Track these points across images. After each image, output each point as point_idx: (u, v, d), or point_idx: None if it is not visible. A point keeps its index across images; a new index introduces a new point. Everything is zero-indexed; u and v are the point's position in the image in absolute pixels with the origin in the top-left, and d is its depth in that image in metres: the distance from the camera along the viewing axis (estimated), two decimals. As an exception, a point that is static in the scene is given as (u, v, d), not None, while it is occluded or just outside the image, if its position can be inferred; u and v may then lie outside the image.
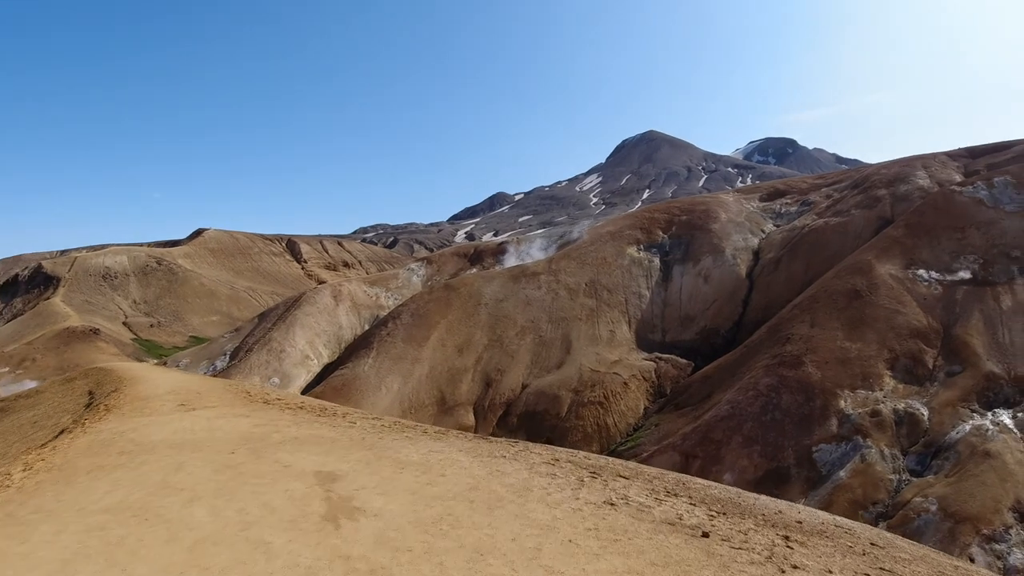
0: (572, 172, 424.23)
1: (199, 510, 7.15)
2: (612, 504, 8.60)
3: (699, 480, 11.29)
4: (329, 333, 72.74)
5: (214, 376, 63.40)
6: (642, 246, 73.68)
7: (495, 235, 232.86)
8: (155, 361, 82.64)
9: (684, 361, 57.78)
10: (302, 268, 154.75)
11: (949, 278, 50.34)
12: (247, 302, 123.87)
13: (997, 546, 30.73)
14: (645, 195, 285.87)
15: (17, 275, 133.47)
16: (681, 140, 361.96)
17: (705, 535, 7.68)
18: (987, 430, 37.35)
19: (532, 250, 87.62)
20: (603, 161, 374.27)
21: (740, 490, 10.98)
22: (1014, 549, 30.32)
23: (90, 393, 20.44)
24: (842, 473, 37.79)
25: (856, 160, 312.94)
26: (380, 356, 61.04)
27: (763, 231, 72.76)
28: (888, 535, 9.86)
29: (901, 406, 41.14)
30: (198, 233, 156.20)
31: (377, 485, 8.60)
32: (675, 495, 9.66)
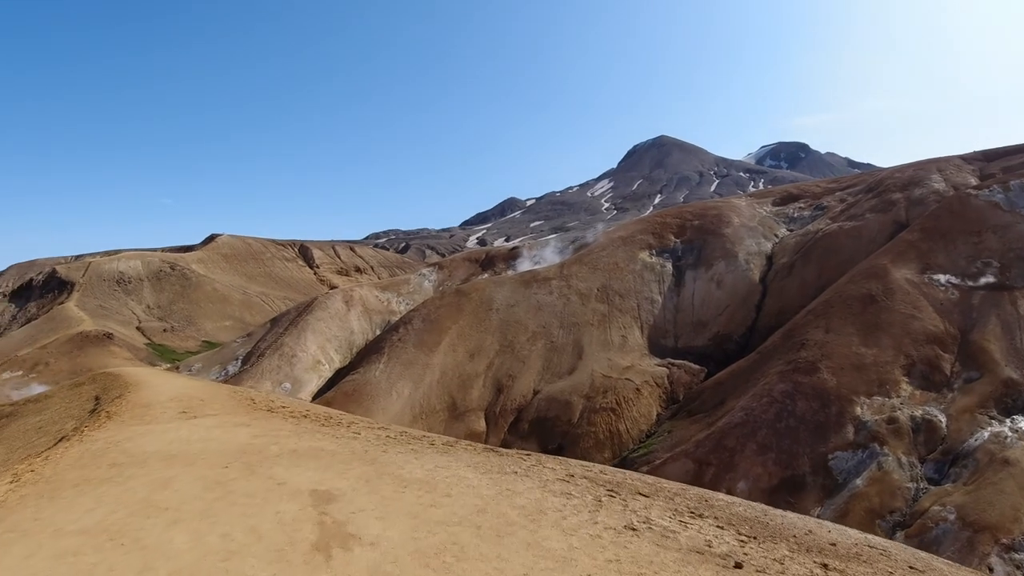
0: (583, 177, 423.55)
1: (180, 535, 6.63)
2: (634, 529, 7.93)
3: (722, 496, 10.68)
4: (341, 338, 72.69)
5: (226, 381, 63.43)
6: (654, 251, 73.17)
7: (506, 240, 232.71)
8: (167, 366, 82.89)
9: (697, 367, 57.20)
10: (314, 273, 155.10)
11: (966, 283, 49.56)
12: (260, 307, 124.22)
13: (1017, 555, 30.04)
14: (656, 200, 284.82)
15: (32, 280, 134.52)
16: (692, 145, 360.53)
17: (738, 566, 7.10)
18: (1006, 437, 36.63)
19: (547, 253, 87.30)
20: (614, 166, 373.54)
21: (765, 507, 10.39)
22: (1035, 559, 29.64)
23: (96, 398, 20.24)
24: (859, 481, 37.13)
25: (869, 164, 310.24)
26: (391, 361, 60.83)
27: (776, 236, 72.08)
28: (924, 556, 9.35)
29: (918, 413, 40.44)
30: (211, 239, 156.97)
31: (376, 507, 7.95)
32: (700, 516, 9.04)
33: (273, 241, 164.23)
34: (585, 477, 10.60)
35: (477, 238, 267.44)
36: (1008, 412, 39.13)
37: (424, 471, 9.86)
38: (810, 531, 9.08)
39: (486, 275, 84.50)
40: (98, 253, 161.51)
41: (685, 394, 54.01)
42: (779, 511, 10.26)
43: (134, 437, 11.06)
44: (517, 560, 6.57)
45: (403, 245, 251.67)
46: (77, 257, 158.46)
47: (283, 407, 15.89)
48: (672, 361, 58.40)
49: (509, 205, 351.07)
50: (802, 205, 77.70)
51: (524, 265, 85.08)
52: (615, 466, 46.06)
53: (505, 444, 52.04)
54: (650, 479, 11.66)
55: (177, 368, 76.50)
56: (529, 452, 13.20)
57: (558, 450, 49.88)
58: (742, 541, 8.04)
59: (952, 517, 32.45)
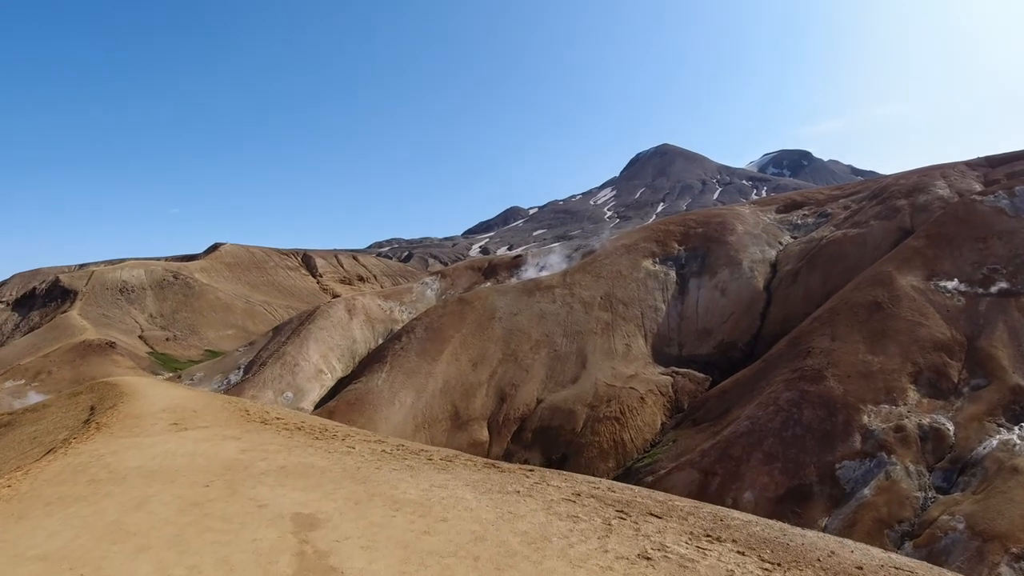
0: (586, 186, 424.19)
1: (144, 565, 6.04)
2: (648, 558, 7.23)
3: (737, 515, 10.07)
4: (343, 347, 72.42)
5: (228, 390, 63.13)
6: (658, 259, 72.83)
7: (509, 249, 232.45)
8: (169, 375, 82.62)
9: (701, 375, 56.75)
10: (317, 282, 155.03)
11: (972, 289, 49.13)
12: (263, 316, 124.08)
13: (1028, 565, 29.53)
14: (659, 208, 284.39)
15: (35, 288, 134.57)
16: (695, 153, 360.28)
17: None
18: (1015, 445, 36.16)
19: (553, 260, 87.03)
20: (617, 175, 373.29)
21: (782, 525, 9.80)
22: (1046, 570, 29.11)
23: (91, 408, 19.92)
24: (866, 491, 36.61)
25: (872, 171, 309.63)
26: (394, 370, 60.49)
27: (780, 243, 71.72)
28: (950, 575, 8.87)
29: (926, 421, 39.94)
30: (215, 247, 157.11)
31: (363, 534, 7.26)
32: (718, 539, 8.39)
33: (276, 250, 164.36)
34: (592, 496, 10.01)
35: (480, 247, 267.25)
36: (1016, 419, 38.68)
37: (419, 491, 9.31)
38: (833, 552, 8.51)
39: (489, 284, 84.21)
40: (102, 262, 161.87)
41: (690, 403, 53.55)
42: (798, 530, 9.71)
43: (119, 451, 10.66)
44: (519, 599, 5.71)
45: (406, 254, 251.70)
46: (81, 266, 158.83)
47: (278, 419, 15.51)
48: (676, 370, 57.96)
49: (512, 214, 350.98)
50: (806, 212, 77.37)
51: (530, 273, 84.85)
52: (619, 476, 45.79)
53: (508, 454, 51.65)
54: (660, 496, 11.07)
55: (179, 377, 76.20)
56: (533, 468, 12.68)
57: (562, 459, 49.46)
58: (766, 569, 7.46)
59: (961, 526, 31.96)
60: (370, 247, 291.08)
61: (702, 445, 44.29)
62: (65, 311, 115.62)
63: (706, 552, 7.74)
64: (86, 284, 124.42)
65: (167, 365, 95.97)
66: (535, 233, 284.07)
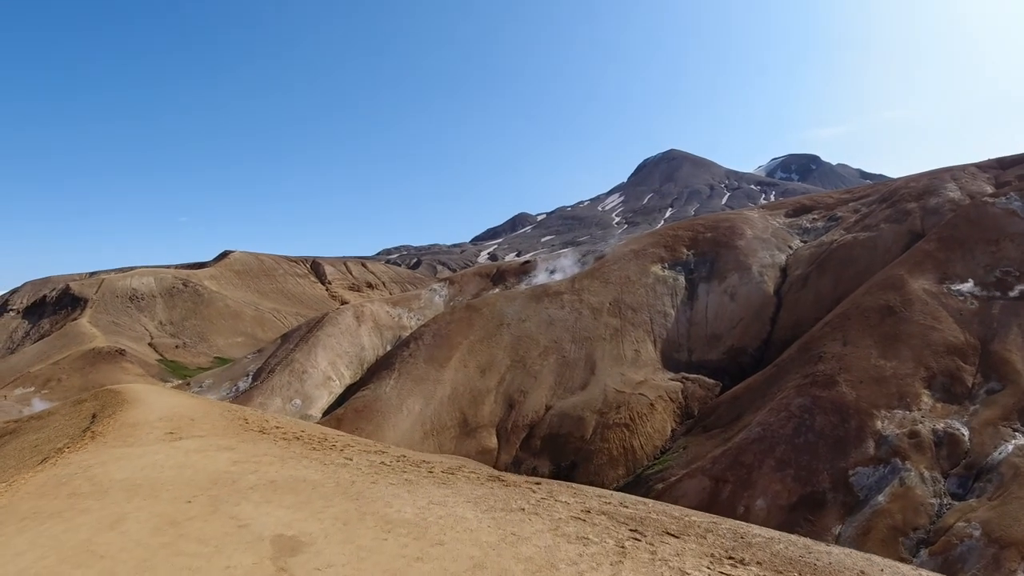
0: (594, 192, 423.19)
1: None
2: None
3: (758, 531, 9.35)
4: (351, 354, 72.28)
5: (236, 397, 63.02)
6: (666, 264, 72.36)
7: (518, 255, 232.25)
8: (178, 382, 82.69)
9: (711, 381, 56.19)
10: (326, 289, 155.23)
11: (985, 292, 48.44)
12: (272, 323, 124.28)
13: (1045, 573, 28.91)
14: (667, 214, 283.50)
15: (45, 296, 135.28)
16: (703, 158, 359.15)
17: None
18: (1031, 451, 35.48)
19: (563, 265, 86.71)
20: (624, 180, 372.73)
21: (807, 542, 9.12)
22: (1065, 579, 28.49)
23: (93, 416, 19.73)
24: (880, 498, 35.99)
25: (881, 175, 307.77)
26: (402, 377, 60.26)
27: (790, 247, 71.11)
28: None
29: (940, 426, 39.28)
30: (224, 255, 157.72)
31: (349, 561, 6.49)
32: (741, 562, 7.66)
33: (285, 257, 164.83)
34: (603, 512, 9.35)
35: (488, 253, 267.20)
36: (1032, 425, 37.98)
37: (415, 509, 8.63)
38: (862, 572, 7.79)
39: (497, 290, 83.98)
40: (112, 270, 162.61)
41: (700, 409, 53.01)
42: (823, 546, 9.08)
43: (108, 462, 10.30)
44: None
45: (414, 261, 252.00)
46: (91, 274, 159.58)
47: (276, 428, 15.20)
48: (686, 375, 57.42)
49: (520, 220, 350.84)
50: (815, 216, 76.74)
51: (540, 278, 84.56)
52: (629, 483, 45.32)
53: (517, 461, 51.24)
54: (676, 511, 10.37)
55: (188, 384, 76.22)
56: (539, 480, 12.19)
57: (571, 467, 49.04)
58: (795, 596, 6.63)
59: (977, 533, 31.38)
60: (379, 254, 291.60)
61: (713, 452, 43.77)
62: (75, 319, 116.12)
63: (729, 578, 6.93)
64: (96, 292, 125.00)
65: (177, 372, 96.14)
66: (543, 239, 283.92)
